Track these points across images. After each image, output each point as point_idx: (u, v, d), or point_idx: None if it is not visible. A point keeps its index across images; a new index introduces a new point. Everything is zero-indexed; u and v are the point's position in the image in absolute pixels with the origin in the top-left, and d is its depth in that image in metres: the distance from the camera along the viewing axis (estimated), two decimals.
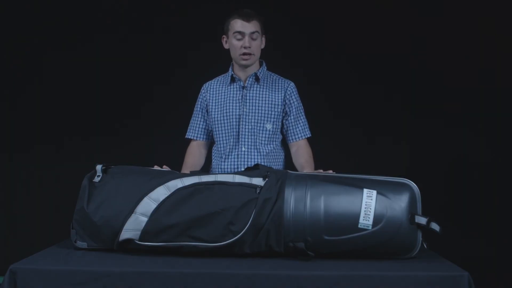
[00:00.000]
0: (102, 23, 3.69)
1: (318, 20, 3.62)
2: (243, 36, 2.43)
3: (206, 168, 2.62)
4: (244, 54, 2.44)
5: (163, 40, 3.68)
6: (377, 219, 1.73)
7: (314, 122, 2.63)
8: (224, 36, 2.52)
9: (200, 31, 3.63)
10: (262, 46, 2.52)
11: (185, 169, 2.49)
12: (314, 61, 3.63)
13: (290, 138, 2.56)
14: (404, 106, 3.61)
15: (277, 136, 2.54)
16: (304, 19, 3.63)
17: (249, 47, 2.43)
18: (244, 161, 2.47)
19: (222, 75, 2.62)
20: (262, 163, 2.36)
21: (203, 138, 2.61)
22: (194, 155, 2.59)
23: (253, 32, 2.43)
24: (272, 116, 2.50)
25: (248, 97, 2.51)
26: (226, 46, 2.53)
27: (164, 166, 2.18)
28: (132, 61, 3.66)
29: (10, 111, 3.71)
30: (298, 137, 2.54)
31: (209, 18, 3.47)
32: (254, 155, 2.48)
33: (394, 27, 3.60)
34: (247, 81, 2.52)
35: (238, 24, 2.43)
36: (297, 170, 2.43)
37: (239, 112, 2.49)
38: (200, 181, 1.85)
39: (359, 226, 1.74)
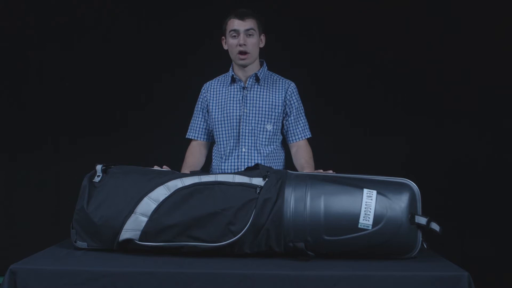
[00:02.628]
0: (102, 23, 3.69)
1: (319, 20, 3.62)
2: (238, 34, 2.44)
3: (206, 168, 2.62)
4: (241, 53, 2.45)
5: (163, 40, 3.67)
6: (377, 219, 1.73)
7: (314, 122, 2.63)
8: (223, 37, 2.53)
9: (200, 31, 3.62)
10: (262, 45, 2.53)
11: (185, 169, 2.49)
12: (314, 61, 3.63)
13: (290, 138, 2.55)
14: (404, 106, 3.61)
15: (277, 137, 2.54)
16: (304, 19, 3.63)
17: (244, 45, 2.44)
18: (244, 162, 2.47)
19: (223, 75, 2.62)
20: (263, 164, 2.36)
21: (203, 138, 2.61)
22: (195, 155, 2.59)
23: (248, 29, 2.44)
24: (273, 116, 2.50)
25: (248, 98, 2.51)
26: (225, 46, 2.54)
27: (164, 166, 2.18)
28: (133, 61, 3.66)
29: (10, 111, 3.71)
30: (298, 138, 2.54)
31: (209, 17, 3.47)
32: (254, 155, 2.48)
33: (394, 27, 3.60)
34: (247, 82, 2.52)
35: (233, 23, 2.45)
36: (297, 171, 2.43)
37: (239, 113, 2.49)
38: (200, 181, 1.85)
39: (359, 226, 1.74)
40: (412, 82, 3.59)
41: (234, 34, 2.45)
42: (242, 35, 2.44)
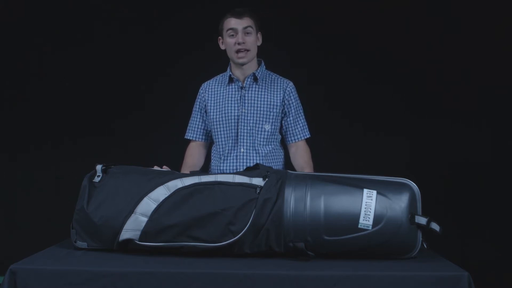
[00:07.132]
0: (102, 23, 3.69)
1: (319, 20, 3.62)
2: (236, 32, 2.43)
3: (205, 168, 2.62)
4: (239, 51, 2.44)
5: (163, 40, 3.67)
6: (377, 219, 1.73)
7: (314, 122, 2.63)
8: (219, 37, 2.52)
9: (199, 31, 3.62)
10: (259, 43, 2.52)
11: (185, 170, 2.49)
12: (314, 61, 3.63)
13: (289, 138, 2.55)
14: (404, 106, 3.61)
15: (275, 137, 2.54)
16: (305, 18, 3.63)
17: (243, 43, 2.43)
18: (243, 162, 2.47)
19: (221, 75, 2.61)
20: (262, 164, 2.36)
21: (202, 138, 2.60)
22: (194, 155, 2.58)
23: (245, 27, 2.43)
24: (271, 116, 2.50)
25: (246, 98, 2.50)
26: (222, 47, 2.53)
27: (164, 166, 2.17)
28: (133, 61, 3.66)
29: (10, 111, 3.71)
30: (297, 138, 2.54)
31: (209, 17, 3.46)
32: (253, 156, 2.48)
33: (394, 27, 3.60)
34: (245, 82, 2.52)
35: (231, 22, 2.44)
36: (296, 171, 2.42)
37: (237, 113, 2.49)
38: (200, 181, 1.85)
39: (359, 226, 1.74)
40: (412, 82, 3.59)
41: (231, 33, 2.44)
42: (240, 34, 2.43)
